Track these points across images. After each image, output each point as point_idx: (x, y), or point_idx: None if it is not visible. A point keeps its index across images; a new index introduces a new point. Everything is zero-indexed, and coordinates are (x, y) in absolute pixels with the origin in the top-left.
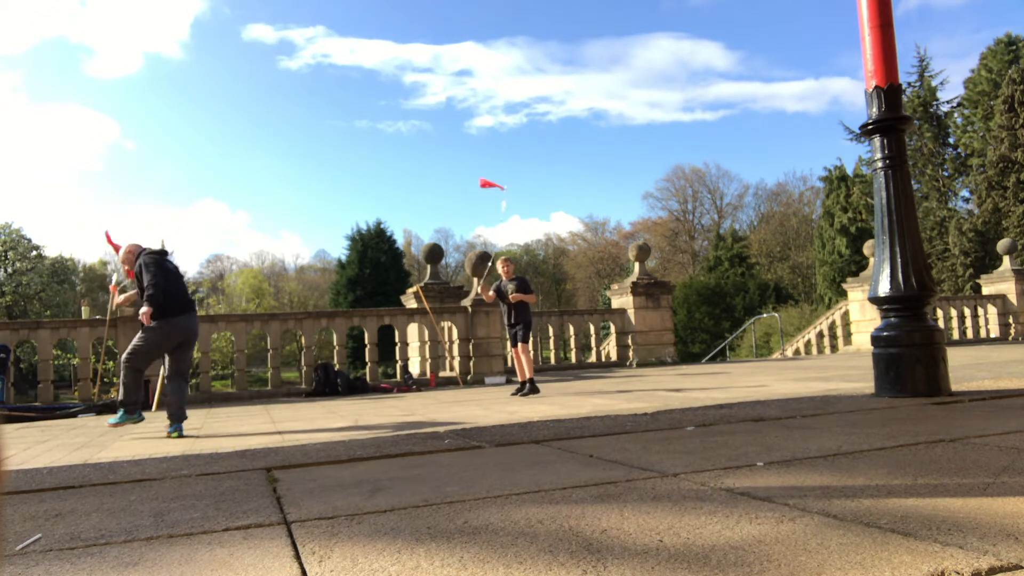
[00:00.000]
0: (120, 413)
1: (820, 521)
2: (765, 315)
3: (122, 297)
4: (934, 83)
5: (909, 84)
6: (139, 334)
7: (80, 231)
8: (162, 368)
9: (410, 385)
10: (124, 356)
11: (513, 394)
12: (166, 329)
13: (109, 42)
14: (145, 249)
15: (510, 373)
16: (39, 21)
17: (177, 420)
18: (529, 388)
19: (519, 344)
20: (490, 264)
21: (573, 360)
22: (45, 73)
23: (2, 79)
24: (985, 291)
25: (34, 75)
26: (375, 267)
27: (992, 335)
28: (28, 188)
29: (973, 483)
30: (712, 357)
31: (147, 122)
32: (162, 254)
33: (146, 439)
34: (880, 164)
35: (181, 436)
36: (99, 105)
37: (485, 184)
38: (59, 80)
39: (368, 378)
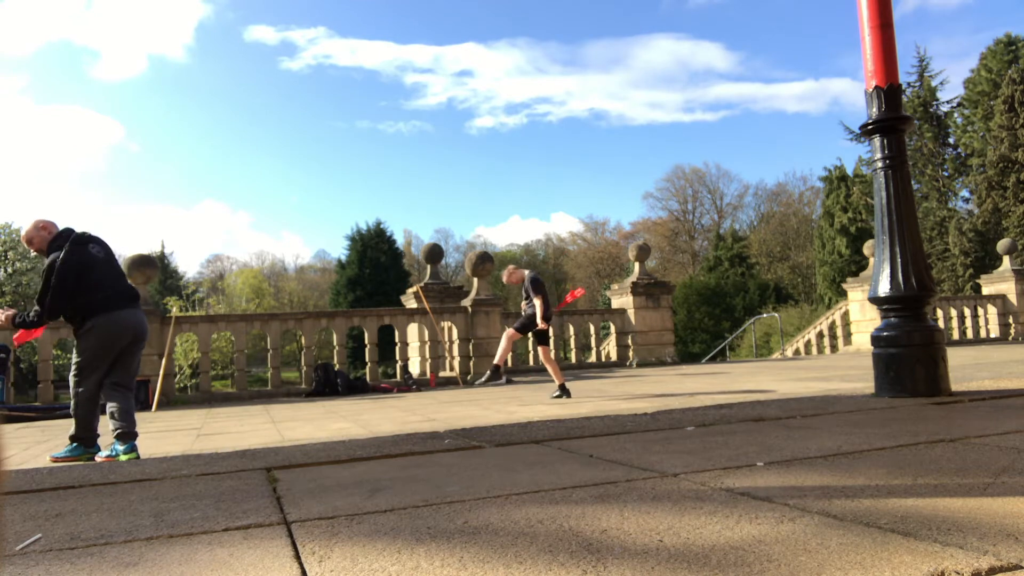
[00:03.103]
0: (73, 445)
1: (820, 521)
2: (765, 315)
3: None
4: (934, 83)
5: (909, 84)
6: (80, 347)
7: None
8: (161, 366)
9: (410, 385)
10: (70, 378)
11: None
12: (109, 328)
13: (114, 45)
14: (64, 234)
15: (510, 373)
16: (44, 24)
17: (128, 439)
18: (559, 392)
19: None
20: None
21: (573, 360)
22: (50, 75)
23: (8, 81)
24: (985, 291)
25: (39, 77)
26: (375, 267)
27: (992, 335)
28: (31, 189)
29: (973, 483)
30: (712, 357)
31: (151, 124)
32: (85, 240)
33: (145, 440)
34: (880, 164)
35: (136, 455)
36: (103, 107)
37: (570, 299)
38: (64, 82)
39: (368, 378)
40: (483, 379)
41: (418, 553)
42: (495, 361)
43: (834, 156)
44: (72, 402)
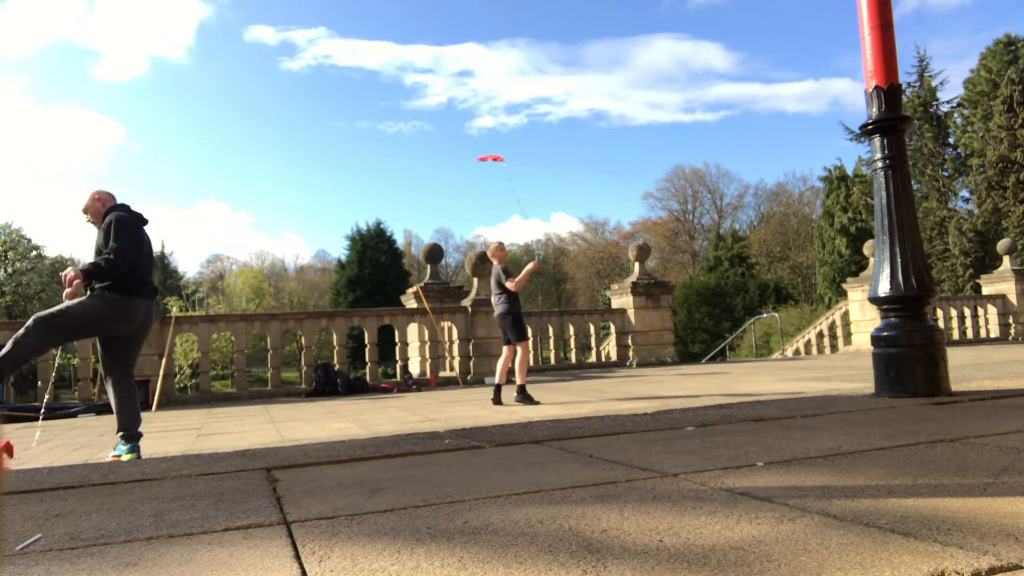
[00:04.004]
0: None
1: (820, 521)
2: (765, 315)
3: (68, 291)
4: (934, 83)
5: (909, 84)
6: (78, 300)
7: (82, 232)
8: (161, 366)
9: (410, 385)
10: (42, 313)
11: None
12: (120, 307)
13: (115, 46)
14: (120, 204)
15: (510, 373)
16: (45, 25)
17: (131, 439)
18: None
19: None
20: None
21: (573, 360)
22: (51, 76)
23: (9, 82)
24: (985, 291)
25: (40, 78)
26: (375, 267)
27: (992, 335)
28: (33, 190)
29: (973, 483)
30: (712, 357)
31: (152, 124)
32: (139, 218)
33: (145, 440)
34: (880, 164)
35: (137, 455)
36: (104, 108)
37: (484, 159)
38: (65, 83)
39: (368, 378)
40: (516, 399)
41: (418, 553)
42: (519, 382)
43: (834, 156)
44: (10, 344)
